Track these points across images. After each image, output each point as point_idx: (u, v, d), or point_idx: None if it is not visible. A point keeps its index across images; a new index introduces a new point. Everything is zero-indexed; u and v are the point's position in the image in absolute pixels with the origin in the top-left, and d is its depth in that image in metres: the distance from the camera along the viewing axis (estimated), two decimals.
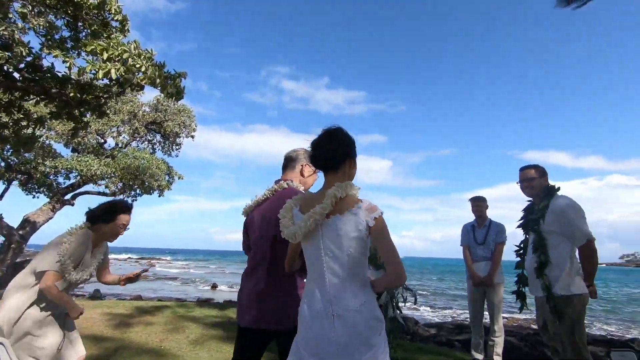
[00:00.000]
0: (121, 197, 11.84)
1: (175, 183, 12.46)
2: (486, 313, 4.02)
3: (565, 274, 2.44)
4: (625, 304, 20.42)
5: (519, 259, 2.90)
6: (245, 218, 2.02)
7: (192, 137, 12.82)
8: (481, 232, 4.02)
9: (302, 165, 2.01)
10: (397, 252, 1.41)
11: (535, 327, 9.69)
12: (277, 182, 1.98)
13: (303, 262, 1.60)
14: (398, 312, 2.37)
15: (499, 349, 3.84)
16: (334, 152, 1.50)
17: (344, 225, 1.41)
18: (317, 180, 2.07)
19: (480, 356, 3.92)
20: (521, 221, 2.88)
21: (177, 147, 13.09)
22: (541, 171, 2.73)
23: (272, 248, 1.81)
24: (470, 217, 4.23)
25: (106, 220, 2.26)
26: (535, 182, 2.70)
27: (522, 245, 2.91)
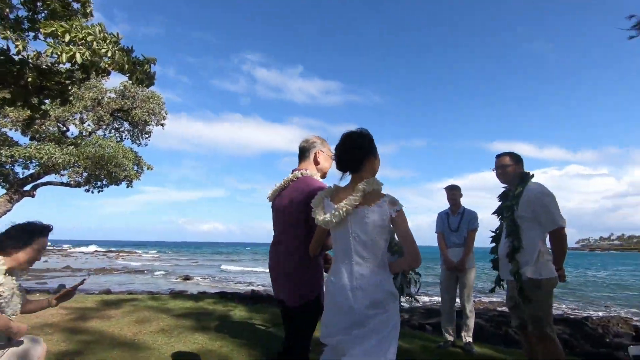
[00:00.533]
0: (86, 187, 11.32)
1: (143, 174, 12.04)
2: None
3: (536, 258, 2.53)
4: (580, 285, 21.97)
5: (494, 244, 2.96)
6: (271, 203, 2.21)
7: (163, 125, 12.36)
8: (455, 220, 4.17)
9: (315, 153, 2.15)
10: (414, 239, 1.68)
11: (500, 309, 10.26)
12: (293, 171, 2.13)
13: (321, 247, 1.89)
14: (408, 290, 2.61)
15: (470, 329, 4.04)
16: (353, 156, 1.76)
17: (371, 215, 1.66)
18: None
19: (451, 337, 4.12)
20: (497, 208, 2.93)
21: (147, 136, 12.60)
22: (516, 158, 2.78)
23: (286, 232, 2.03)
24: (443, 206, 4.38)
25: (21, 244, 1.95)
26: (510, 168, 2.75)
27: (497, 231, 2.97)
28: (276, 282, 2.09)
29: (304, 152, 2.17)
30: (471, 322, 4.06)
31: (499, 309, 10.17)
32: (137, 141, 12.53)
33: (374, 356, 1.58)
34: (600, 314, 11.43)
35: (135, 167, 11.58)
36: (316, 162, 2.14)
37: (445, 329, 4.14)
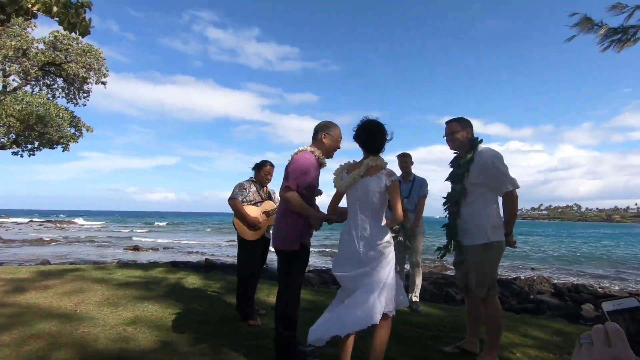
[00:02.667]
0: (14, 150, 10.16)
1: (82, 138, 11.03)
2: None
3: (488, 222, 2.59)
4: (512, 250, 24.32)
5: (446, 211, 2.90)
6: None
7: (104, 83, 11.24)
8: (406, 186, 4.31)
9: (322, 134, 2.60)
10: (400, 202, 2.26)
11: (444, 273, 11.10)
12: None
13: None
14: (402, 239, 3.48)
15: (418, 290, 4.30)
16: (375, 140, 2.34)
17: (372, 184, 2.26)
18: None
19: None
20: (449, 174, 2.90)
21: (85, 95, 11.43)
22: (464, 124, 2.76)
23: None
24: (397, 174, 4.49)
25: None
26: (458, 134, 2.73)
27: (448, 197, 2.91)
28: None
29: (315, 133, 2.62)
30: (419, 283, 4.31)
31: (442, 273, 10.99)
32: (74, 100, 11.34)
33: (374, 287, 2.15)
34: (528, 274, 12.79)
35: (72, 129, 10.56)
36: (322, 143, 2.58)
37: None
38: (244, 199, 3.70)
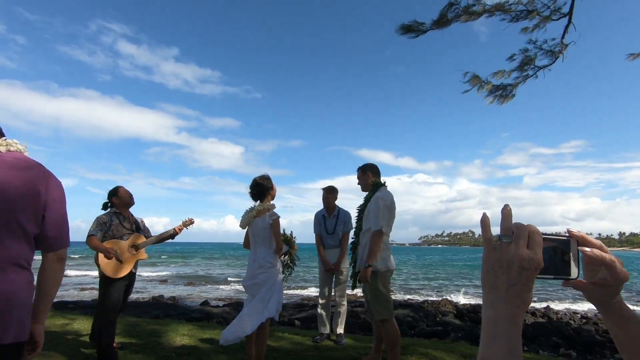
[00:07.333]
0: None
1: None
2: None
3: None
4: (423, 273, 26.30)
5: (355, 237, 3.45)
6: None
7: None
8: (331, 222, 4.37)
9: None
10: (279, 236, 3.14)
11: (361, 300, 11.36)
12: None
13: None
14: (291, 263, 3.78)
15: (343, 322, 4.34)
16: (260, 191, 3.22)
17: (260, 222, 3.11)
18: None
19: (326, 330, 4.32)
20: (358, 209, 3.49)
21: None
22: (363, 169, 3.40)
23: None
24: (316, 205, 4.54)
25: None
26: (361, 179, 3.39)
27: (355, 230, 3.48)
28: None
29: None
30: (344, 316, 4.35)
31: (359, 300, 11.24)
32: None
33: (265, 298, 3.00)
34: (435, 297, 13.83)
35: None
36: None
37: (322, 323, 4.32)
38: (106, 234, 3.39)
